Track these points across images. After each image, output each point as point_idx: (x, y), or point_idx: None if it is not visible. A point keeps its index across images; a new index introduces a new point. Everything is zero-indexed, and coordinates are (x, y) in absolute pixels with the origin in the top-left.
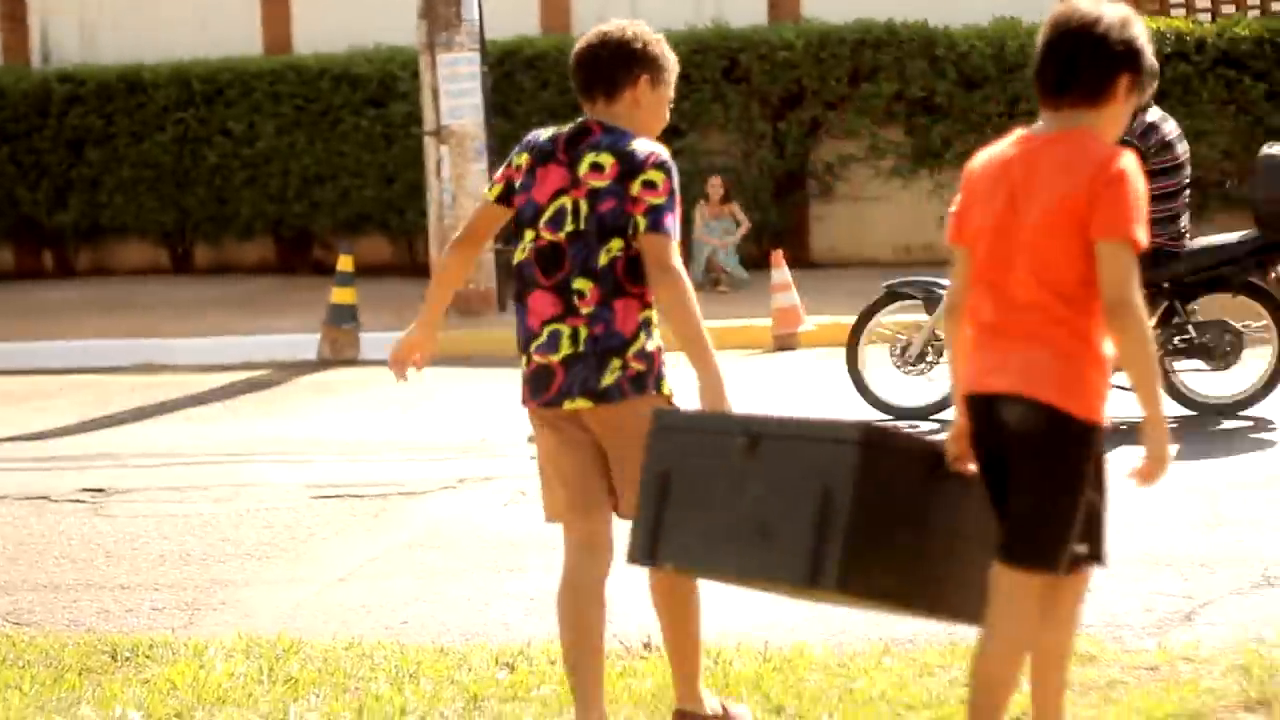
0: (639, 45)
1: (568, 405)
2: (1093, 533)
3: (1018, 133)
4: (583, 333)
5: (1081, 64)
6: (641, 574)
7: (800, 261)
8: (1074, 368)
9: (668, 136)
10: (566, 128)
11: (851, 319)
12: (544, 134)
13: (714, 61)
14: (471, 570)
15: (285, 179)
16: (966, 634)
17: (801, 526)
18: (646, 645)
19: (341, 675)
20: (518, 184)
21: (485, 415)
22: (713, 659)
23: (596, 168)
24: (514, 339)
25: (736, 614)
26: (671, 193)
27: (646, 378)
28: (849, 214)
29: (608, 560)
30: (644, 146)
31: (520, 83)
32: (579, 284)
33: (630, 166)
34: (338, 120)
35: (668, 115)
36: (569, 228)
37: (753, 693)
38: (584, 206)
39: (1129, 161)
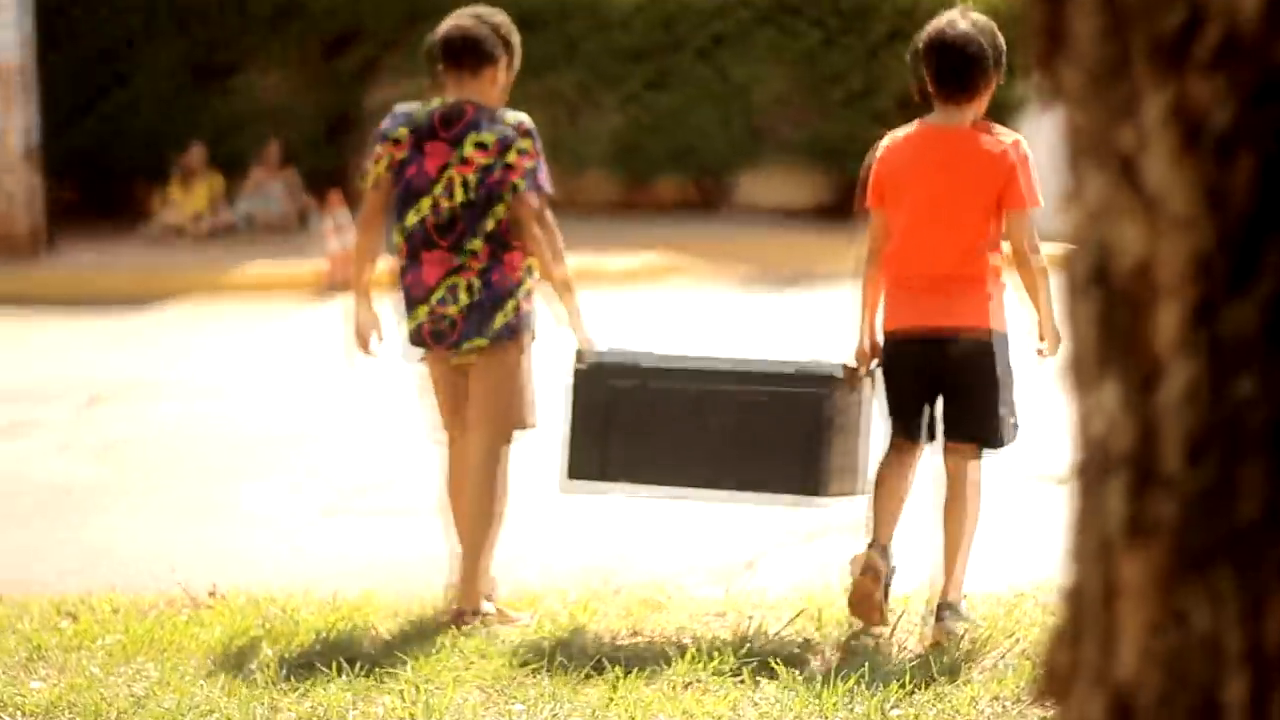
0: (504, 32)
1: (467, 346)
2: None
3: (920, 122)
4: (476, 284)
5: (974, 71)
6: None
7: (353, 205)
8: (995, 299)
9: (218, 74)
10: (435, 105)
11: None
12: (415, 110)
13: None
14: (24, 519)
15: None
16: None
17: (783, 451)
18: (212, 594)
19: None
20: (401, 157)
21: (37, 361)
22: (280, 608)
23: (480, 146)
24: (61, 281)
25: (299, 566)
26: (539, 153)
27: (530, 316)
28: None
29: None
30: (513, 119)
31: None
32: (473, 245)
33: (507, 141)
34: None
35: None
36: (460, 198)
37: (322, 645)
38: (473, 179)
39: (1025, 145)
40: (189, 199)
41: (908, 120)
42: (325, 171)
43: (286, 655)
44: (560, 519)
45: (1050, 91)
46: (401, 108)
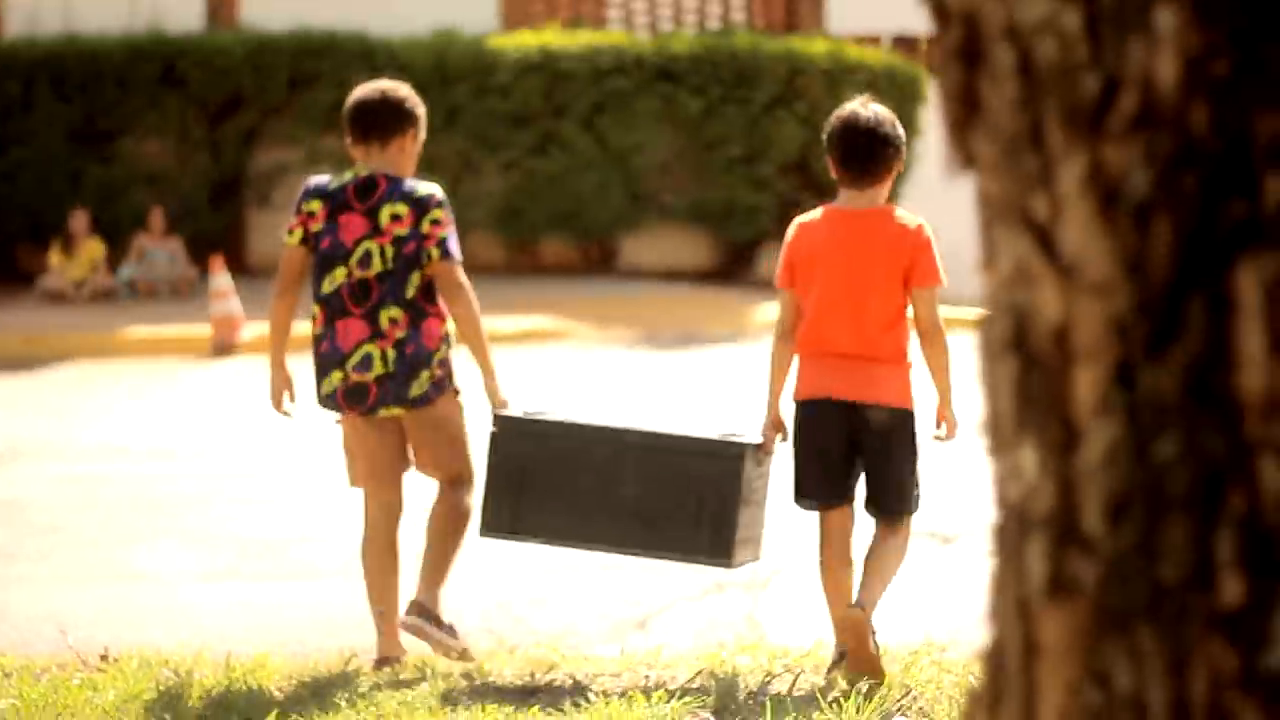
0: (410, 105)
1: (383, 413)
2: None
3: (828, 207)
4: (390, 354)
5: (876, 157)
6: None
7: (237, 269)
8: (905, 377)
9: (100, 140)
10: (349, 177)
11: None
12: (328, 182)
13: (151, 67)
14: None
15: None
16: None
17: (695, 520)
18: (104, 657)
19: None
20: (315, 228)
21: None
22: (173, 670)
23: (396, 218)
24: None
25: (192, 628)
26: (451, 222)
27: (446, 380)
28: (286, 222)
29: (399, 517)
30: (425, 190)
31: None
32: (392, 313)
33: (422, 211)
34: None
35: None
36: (377, 268)
37: (217, 708)
38: (389, 250)
39: (928, 228)
40: (72, 264)
41: (789, 186)
42: (209, 236)
43: (180, 719)
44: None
45: (963, 160)
46: (314, 180)
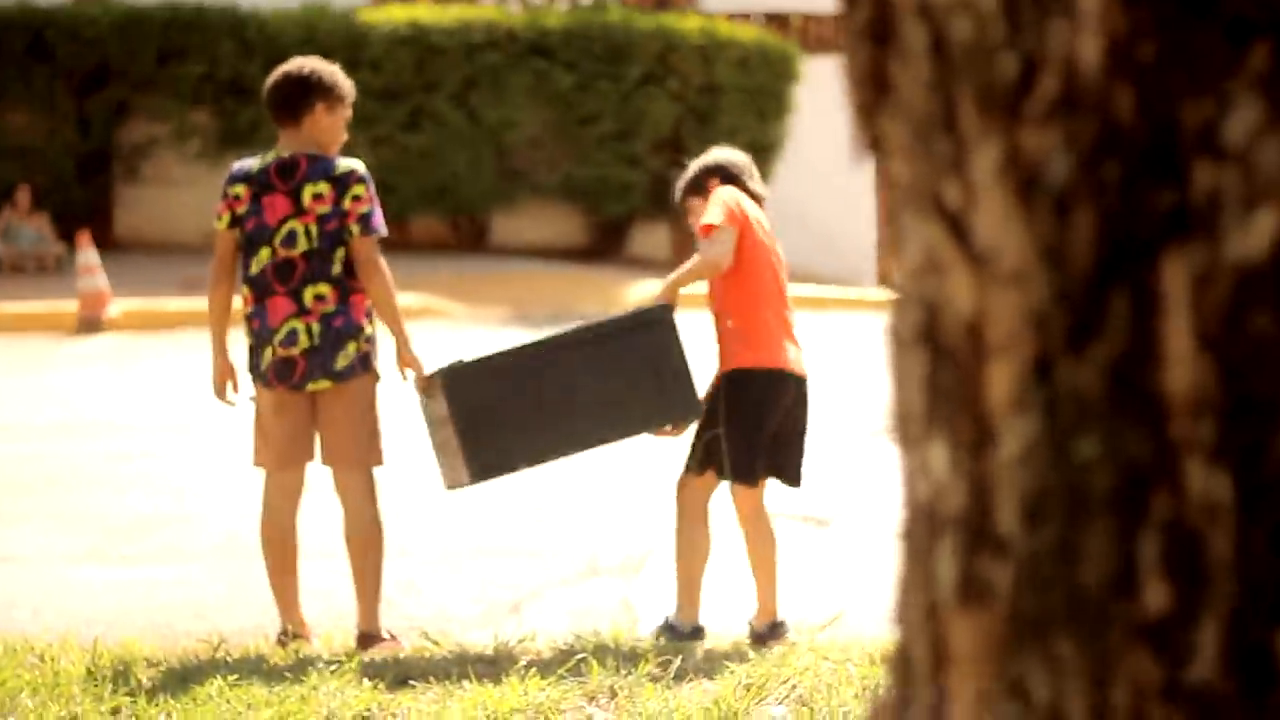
0: (315, 78)
1: (311, 387)
2: None
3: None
4: (316, 328)
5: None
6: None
7: (106, 244)
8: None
9: None
10: (270, 158)
11: (158, 302)
12: (250, 165)
13: (18, 38)
14: None
15: None
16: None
17: (653, 386)
18: None
19: None
20: (241, 211)
21: None
22: (39, 656)
23: (318, 197)
24: None
25: (57, 612)
26: (373, 197)
27: (370, 357)
28: (155, 197)
29: (298, 501)
30: (346, 166)
31: None
32: (319, 289)
33: (343, 188)
34: None
35: (345, 133)
36: (303, 246)
37: (85, 695)
38: (314, 229)
39: None
40: None
41: (662, 163)
42: (76, 210)
43: (47, 706)
44: (317, 558)
45: (869, 143)
46: (238, 164)
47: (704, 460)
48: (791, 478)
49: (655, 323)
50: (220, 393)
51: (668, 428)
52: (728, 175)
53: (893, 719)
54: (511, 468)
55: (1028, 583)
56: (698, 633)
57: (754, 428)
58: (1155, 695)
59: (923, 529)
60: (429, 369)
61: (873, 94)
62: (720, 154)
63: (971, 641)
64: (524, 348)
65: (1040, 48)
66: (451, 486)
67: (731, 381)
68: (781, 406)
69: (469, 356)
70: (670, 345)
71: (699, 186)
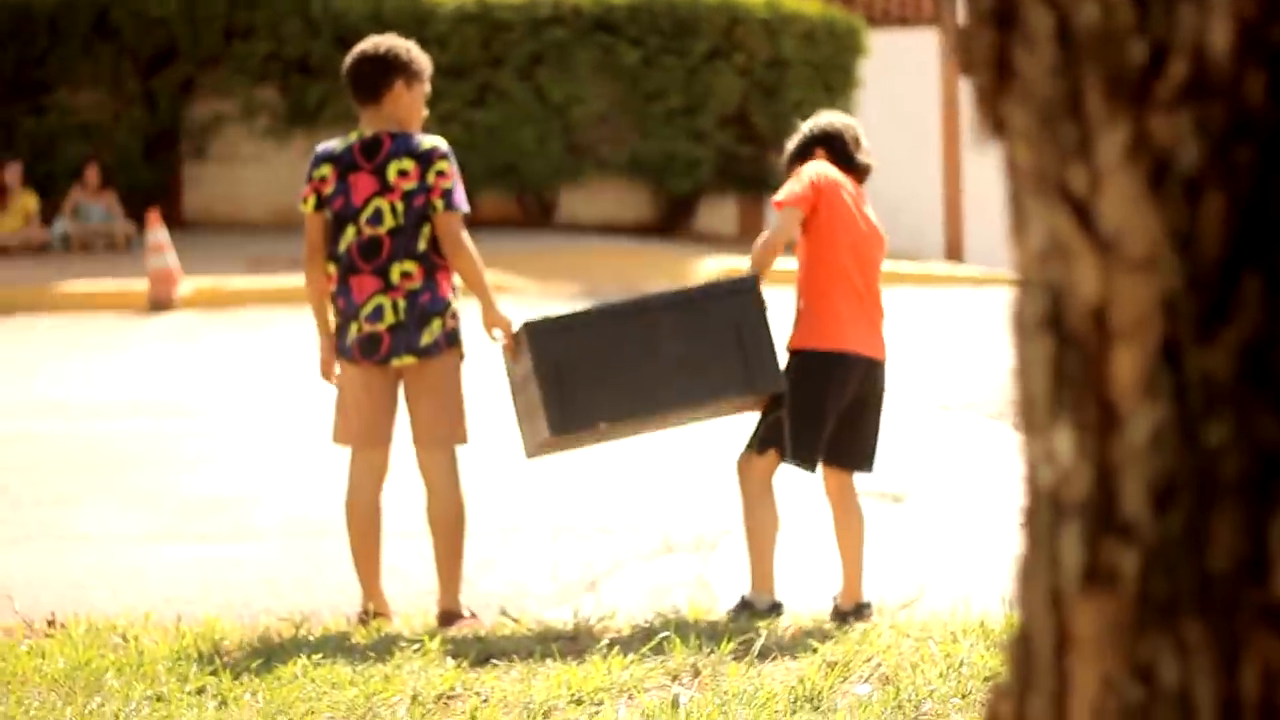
0: (391, 56)
1: (396, 362)
2: None
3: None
4: (402, 304)
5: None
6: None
7: (174, 222)
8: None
9: (33, 91)
10: (353, 138)
11: (227, 281)
12: (334, 146)
13: (83, 16)
14: None
15: None
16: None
17: (734, 355)
18: (51, 623)
19: None
20: (327, 192)
21: None
22: (122, 636)
23: (403, 173)
24: None
25: (138, 591)
26: (456, 174)
27: (456, 333)
28: (223, 174)
29: (383, 479)
30: (429, 143)
31: None
32: (405, 266)
33: (427, 163)
34: None
35: (425, 109)
36: (389, 224)
37: (169, 674)
38: (400, 206)
39: None
40: (5, 218)
41: (728, 138)
42: (144, 189)
43: (133, 686)
44: (397, 537)
45: (992, 127)
46: (322, 146)
47: (765, 440)
48: (857, 462)
49: (743, 292)
50: (326, 373)
51: (748, 399)
52: (834, 145)
53: (1013, 705)
54: (591, 424)
55: (1155, 567)
56: (776, 609)
57: (813, 411)
58: None
59: (1046, 515)
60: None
61: (995, 78)
62: (828, 121)
63: (1096, 626)
64: (610, 306)
65: (1169, 33)
66: (532, 454)
67: (792, 362)
68: (845, 389)
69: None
70: (756, 316)
71: (804, 155)
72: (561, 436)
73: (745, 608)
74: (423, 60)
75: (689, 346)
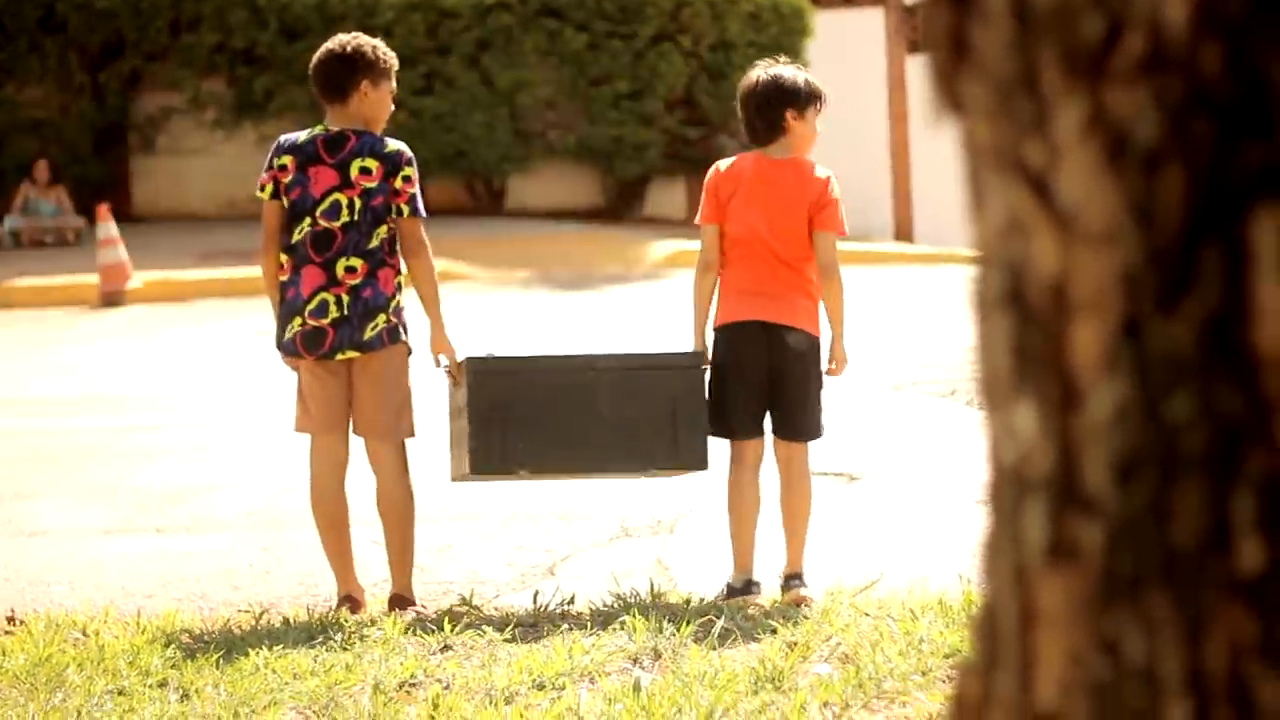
0: (358, 54)
1: (339, 357)
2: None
3: (747, 153)
4: (345, 299)
5: (770, 113)
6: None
7: (123, 216)
8: (814, 306)
9: None
10: (318, 131)
11: (178, 274)
12: (297, 137)
13: (30, 11)
14: None
15: None
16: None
17: (667, 429)
18: (10, 619)
19: None
20: (286, 181)
21: None
22: (81, 631)
23: (365, 171)
24: None
25: (96, 586)
26: (419, 180)
27: (399, 330)
28: (171, 167)
29: (344, 467)
30: (395, 146)
31: None
32: (351, 262)
33: (392, 167)
34: None
35: (391, 106)
36: (344, 219)
37: (131, 668)
38: (358, 203)
39: (834, 181)
40: None
41: (676, 122)
42: (93, 183)
43: (94, 681)
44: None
45: (949, 104)
46: (285, 137)
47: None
48: (788, 431)
49: (687, 369)
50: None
51: (670, 471)
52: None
53: (980, 681)
54: (512, 471)
55: (1119, 542)
56: (749, 587)
57: (719, 381)
58: (1251, 651)
59: (1009, 491)
60: (461, 355)
61: (952, 55)
62: (775, 79)
63: (1061, 601)
64: (557, 357)
65: (1125, 7)
66: (456, 478)
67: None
68: (744, 358)
69: (501, 351)
70: (694, 394)
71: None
72: (481, 475)
73: (728, 590)
74: (390, 58)
75: (624, 411)
